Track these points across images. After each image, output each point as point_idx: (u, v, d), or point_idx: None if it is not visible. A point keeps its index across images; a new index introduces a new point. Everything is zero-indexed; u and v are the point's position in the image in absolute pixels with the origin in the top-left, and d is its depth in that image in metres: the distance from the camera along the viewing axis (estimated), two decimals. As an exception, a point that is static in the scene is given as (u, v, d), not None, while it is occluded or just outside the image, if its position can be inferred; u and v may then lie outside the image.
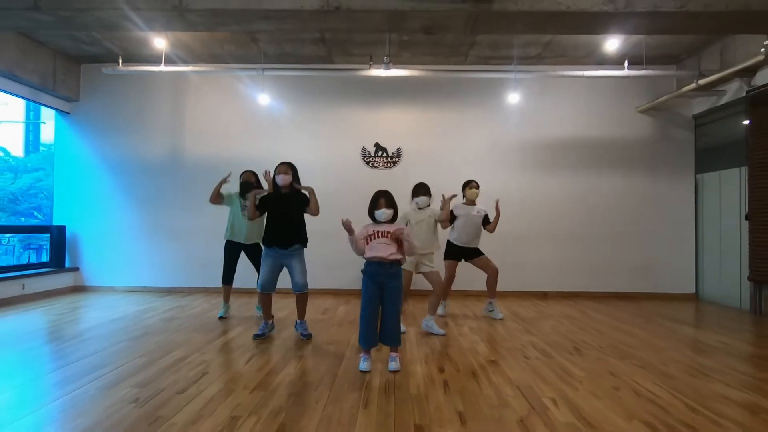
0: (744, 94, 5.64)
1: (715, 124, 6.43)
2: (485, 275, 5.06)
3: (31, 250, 11.81)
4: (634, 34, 5.17)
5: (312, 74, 6.65)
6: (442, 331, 4.29)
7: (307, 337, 4.10)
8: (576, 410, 2.55)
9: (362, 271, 3.35)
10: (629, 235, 6.73)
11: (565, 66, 6.64)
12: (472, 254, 5.02)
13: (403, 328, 4.18)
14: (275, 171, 4.04)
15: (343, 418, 2.43)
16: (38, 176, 11.85)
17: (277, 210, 4.03)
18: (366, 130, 6.88)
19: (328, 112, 6.89)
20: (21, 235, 11.26)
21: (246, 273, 5.15)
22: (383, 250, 3.26)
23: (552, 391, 2.85)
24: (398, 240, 3.28)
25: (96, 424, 2.33)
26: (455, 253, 5.01)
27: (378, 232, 3.29)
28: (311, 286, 4.18)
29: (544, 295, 6.65)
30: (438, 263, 4.46)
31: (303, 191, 4.06)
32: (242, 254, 4.99)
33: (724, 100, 6.05)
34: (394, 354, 3.29)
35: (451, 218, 4.91)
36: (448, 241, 5.04)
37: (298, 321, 4.17)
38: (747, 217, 5.62)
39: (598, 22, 3.95)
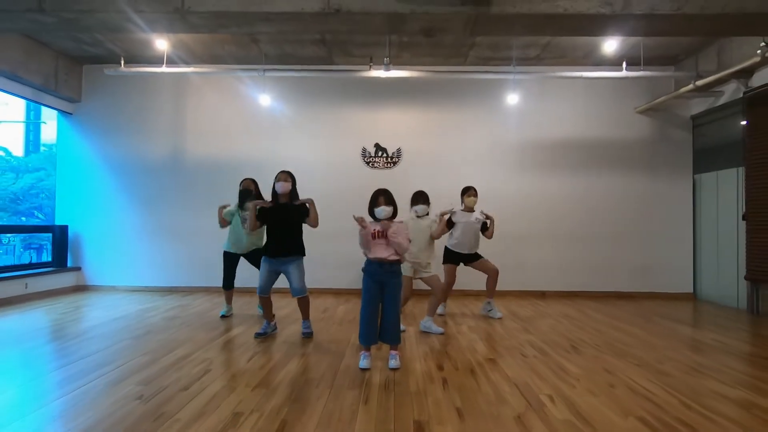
0: (741, 95, 5.69)
1: (713, 124, 6.47)
2: (485, 276, 5.10)
3: (32, 250, 11.85)
4: (632, 36, 5.20)
5: (312, 75, 6.69)
6: (440, 330, 4.34)
7: (308, 335, 4.15)
8: (572, 407, 2.60)
9: (363, 269, 3.40)
10: (628, 235, 6.77)
11: (564, 67, 6.68)
12: (470, 259, 5.07)
13: (402, 327, 4.23)
14: (275, 179, 4.08)
15: (343, 414, 2.48)
16: (39, 176, 11.88)
17: (276, 221, 4.06)
18: (366, 131, 6.92)
19: (329, 113, 6.93)
20: (21, 235, 11.30)
21: (247, 273, 5.20)
22: (383, 251, 3.31)
23: (549, 388, 2.90)
24: (383, 233, 3.31)
25: (101, 419, 2.38)
26: (453, 258, 5.05)
27: (378, 231, 3.33)
28: (312, 285, 4.23)
29: (542, 295, 6.70)
30: (437, 267, 4.49)
31: (305, 203, 4.07)
32: (242, 259, 5.04)
33: (722, 100, 6.09)
34: (394, 352, 3.34)
35: (450, 225, 4.95)
36: (446, 248, 5.06)
37: (304, 321, 4.23)
38: (744, 217, 5.67)
39: (595, 24, 3.99)
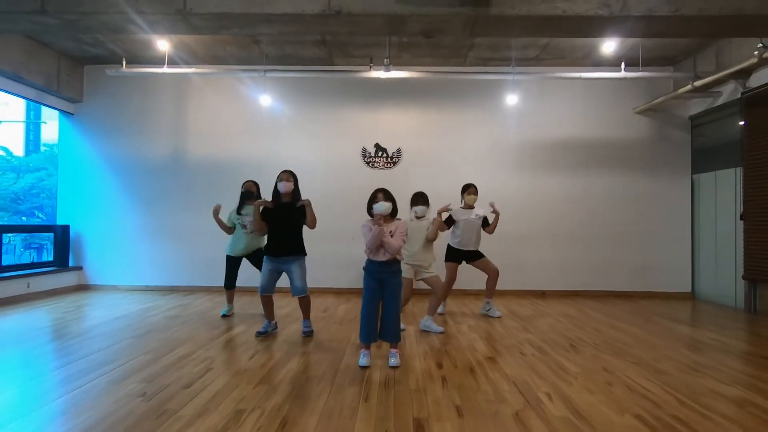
0: (739, 96, 5.72)
1: (711, 125, 6.50)
2: (485, 275, 5.14)
3: (32, 249, 11.89)
4: (630, 37, 5.23)
5: (313, 75, 6.73)
6: (440, 329, 4.37)
7: (308, 334, 4.18)
8: (570, 404, 2.63)
9: (364, 268, 3.43)
10: (627, 235, 6.81)
11: (563, 68, 6.71)
12: (472, 257, 5.10)
13: (402, 326, 4.26)
14: (278, 178, 4.11)
15: (344, 411, 2.51)
16: (40, 176, 11.92)
17: (278, 221, 4.08)
18: (366, 131, 6.95)
19: (329, 113, 6.96)
20: (22, 235, 11.33)
21: (247, 273, 5.23)
22: (382, 254, 3.33)
23: (547, 386, 2.93)
24: (391, 233, 3.33)
25: (105, 417, 2.41)
26: (456, 255, 5.08)
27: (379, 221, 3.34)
28: (312, 285, 4.26)
29: (542, 294, 6.73)
30: (439, 265, 4.51)
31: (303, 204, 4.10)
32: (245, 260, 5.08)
33: (720, 101, 6.12)
34: (393, 350, 3.37)
35: (450, 223, 4.99)
36: (449, 245, 5.11)
37: (304, 320, 4.27)
38: (742, 217, 5.70)
39: (593, 26, 4.01)
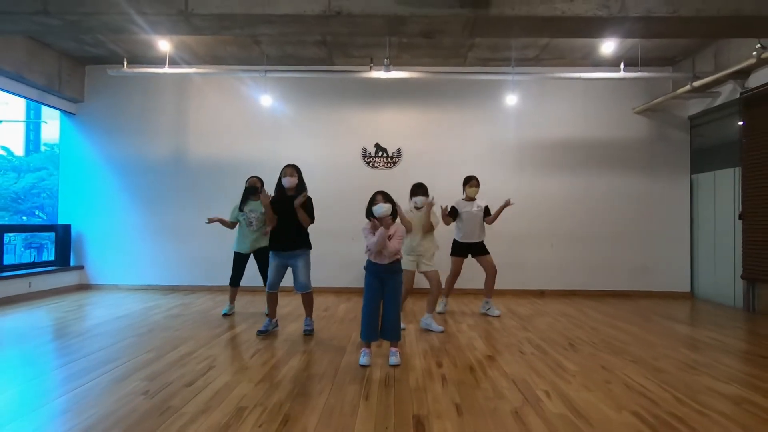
0: (738, 96, 5.75)
1: (710, 125, 6.53)
2: (484, 275, 5.17)
3: (32, 249, 11.92)
4: (629, 38, 5.25)
5: (313, 76, 6.75)
6: (440, 328, 4.40)
7: (309, 333, 4.21)
8: (568, 402, 2.66)
9: (364, 267, 3.46)
10: (626, 235, 6.83)
11: (562, 68, 6.74)
12: (477, 251, 5.15)
13: (402, 325, 4.28)
14: (281, 173, 4.14)
15: (344, 409, 2.54)
16: (41, 176, 11.95)
17: (283, 215, 4.11)
18: (366, 131, 6.98)
19: (329, 113, 6.99)
20: (22, 234, 11.36)
21: (248, 272, 5.24)
22: (383, 257, 3.36)
23: (545, 384, 2.96)
24: (390, 236, 3.36)
25: (109, 414, 2.44)
26: (461, 249, 5.15)
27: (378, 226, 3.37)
28: (313, 284, 4.27)
29: (541, 294, 6.76)
30: (444, 260, 4.54)
31: (305, 200, 4.11)
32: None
33: (719, 101, 6.15)
34: (394, 349, 3.40)
35: (455, 215, 5.05)
36: (454, 240, 5.19)
37: (306, 318, 4.31)
38: (741, 217, 5.73)
39: (593, 27, 4.04)
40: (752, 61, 4.93)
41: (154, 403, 2.57)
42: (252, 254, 5.03)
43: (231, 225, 5.03)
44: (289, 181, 4.10)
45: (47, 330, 4.42)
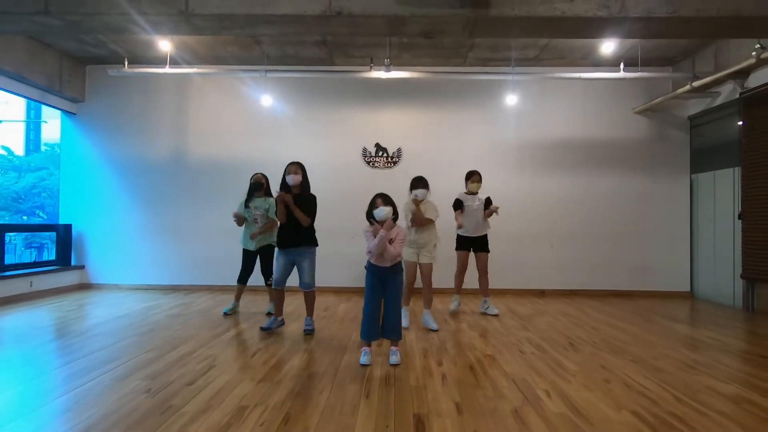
0: (737, 96, 5.75)
1: (710, 125, 6.53)
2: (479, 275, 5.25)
3: (33, 249, 11.94)
4: (629, 38, 5.26)
5: (314, 76, 6.76)
6: (435, 327, 4.42)
7: (309, 332, 4.22)
8: (568, 401, 2.67)
9: (365, 267, 3.47)
10: (626, 235, 6.84)
11: (562, 68, 6.74)
12: (479, 246, 5.19)
13: (405, 323, 4.31)
14: (285, 171, 4.16)
15: (345, 407, 2.55)
16: (41, 175, 11.97)
17: (288, 212, 4.13)
18: (367, 131, 6.99)
19: (330, 113, 7.00)
20: (23, 234, 11.38)
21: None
22: (385, 260, 3.37)
23: (545, 383, 2.96)
24: (391, 240, 3.37)
25: (110, 413, 2.45)
26: (465, 243, 5.20)
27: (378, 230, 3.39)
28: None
29: (542, 293, 6.76)
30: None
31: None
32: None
33: (719, 101, 6.16)
34: (394, 348, 3.41)
35: (460, 207, 5.10)
36: (457, 234, 5.23)
37: (306, 317, 4.32)
38: (740, 217, 5.73)
39: (592, 27, 4.04)
40: (752, 61, 4.94)
41: (155, 403, 2.58)
42: (259, 253, 5.04)
43: (242, 221, 5.04)
44: (293, 179, 4.12)
45: (48, 329, 4.42)
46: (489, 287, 5.29)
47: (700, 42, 6.03)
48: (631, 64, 6.15)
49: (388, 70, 5.82)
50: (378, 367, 3.27)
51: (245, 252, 5.07)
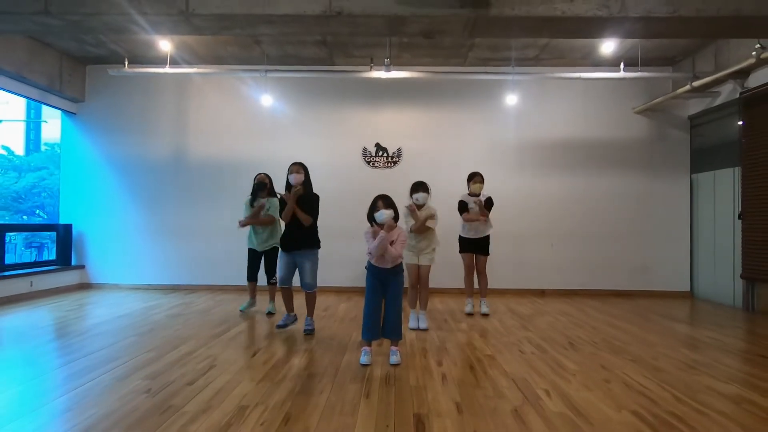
0: (737, 96, 5.75)
1: (710, 124, 6.53)
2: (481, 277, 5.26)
3: (33, 248, 11.94)
4: (629, 38, 5.26)
5: (314, 75, 6.76)
6: (425, 326, 4.44)
7: (309, 332, 4.22)
8: (567, 401, 2.67)
9: (366, 267, 3.48)
10: (626, 234, 6.84)
11: (562, 68, 6.74)
12: (481, 249, 5.19)
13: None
14: (288, 171, 4.17)
15: (345, 407, 2.55)
16: (42, 175, 11.98)
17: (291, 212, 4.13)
18: (367, 131, 6.99)
19: (330, 113, 7.00)
20: (23, 234, 11.38)
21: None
22: (386, 261, 3.37)
23: (545, 383, 2.97)
24: (392, 242, 3.37)
25: (110, 413, 2.45)
26: (467, 245, 5.21)
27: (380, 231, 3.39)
28: (313, 283, 4.29)
29: (542, 293, 6.76)
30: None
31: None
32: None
33: (719, 101, 6.15)
34: (394, 348, 3.41)
35: (465, 208, 5.11)
36: (459, 236, 5.24)
37: (307, 317, 4.33)
38: (740, 216, 5.73)
39: (592, 27, 4.05)
40: (752, 61, 4.94)
41: (155, 402, 2.58)
42: (263, 253, 5.07)
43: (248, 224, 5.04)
44: (295, 178, 4.13)
45: (48, 329, 4.43)
46: (489, 287, 5.30)
47: (700, 42, 6.03)
48: (631, 64, 6.15)
49: (388, 70, 5.82)
50: (378, 366, 3.27)
51: (251, 251, 5.09)
